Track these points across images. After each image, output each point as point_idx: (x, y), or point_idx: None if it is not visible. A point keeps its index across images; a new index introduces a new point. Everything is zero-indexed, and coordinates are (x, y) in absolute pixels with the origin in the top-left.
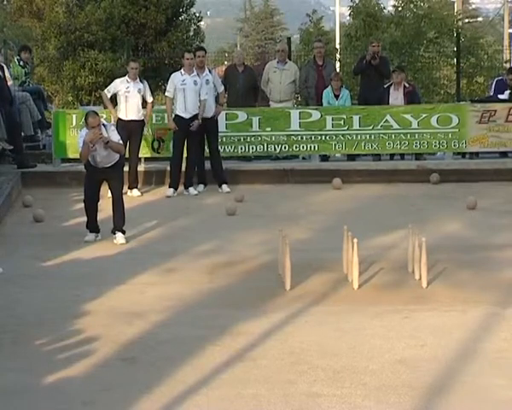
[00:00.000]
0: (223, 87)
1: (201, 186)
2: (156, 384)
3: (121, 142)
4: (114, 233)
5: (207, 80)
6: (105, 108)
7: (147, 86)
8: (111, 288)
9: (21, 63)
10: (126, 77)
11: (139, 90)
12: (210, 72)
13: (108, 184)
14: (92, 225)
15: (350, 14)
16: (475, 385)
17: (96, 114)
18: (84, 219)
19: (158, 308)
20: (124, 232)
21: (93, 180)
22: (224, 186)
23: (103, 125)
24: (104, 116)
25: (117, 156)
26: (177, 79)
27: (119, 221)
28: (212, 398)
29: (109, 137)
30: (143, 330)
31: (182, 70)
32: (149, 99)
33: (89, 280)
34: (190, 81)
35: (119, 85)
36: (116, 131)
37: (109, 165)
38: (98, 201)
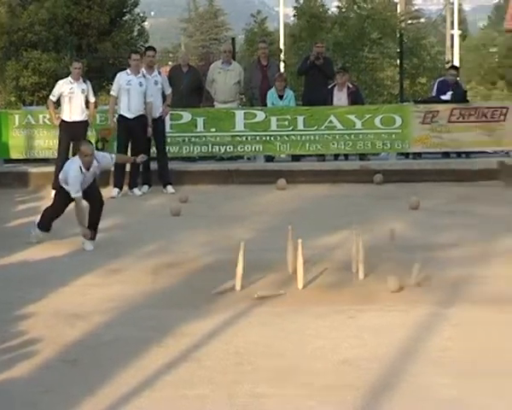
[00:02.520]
0: (171, 89)
1: (146, 187)
2: (99, 386)
3: (112, 158)
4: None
5: (156, 81)
6: (47, 108)
7: (90, 86)
8: (54, 289)
9: None
10: (69, 77)
11: (83, 91)
12: (159, 73)
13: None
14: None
15: (294, 15)
16: (418, 384)
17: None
18: (27, 219)
19: (101, 309)
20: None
21: (67, 199)
22: (169, 187)
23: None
24: (47, 116)
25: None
26: (122, 78)
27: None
28: (155, 399)
29: (101, 164)
30: (86, 331)
31: (128, 70)
32: (92, 99)
33: (32, 282)
34: (136, 82)
35: (63, 87)
36: (105, 154)
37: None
38: None
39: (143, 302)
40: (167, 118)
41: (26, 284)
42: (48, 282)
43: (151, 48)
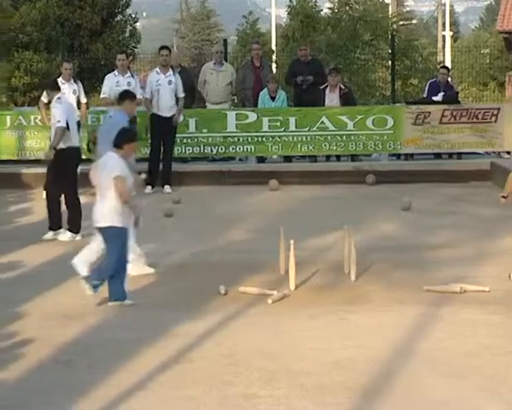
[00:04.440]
0: (183, 93)
1: (149, 188)
2: (91, 387)
3: None
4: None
5: (170, 81)
6: (39, 109)
7: (81, 87)
8: (47, 290)
9: None
10: (61, 78)
11: (74, 91)
12: (174, 73)
13: None
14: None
15: (288, 14)
16: (411, 385)
17: None
18: (19, 220)
19: (94, 311)
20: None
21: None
22: (167, 187)
23: None
24: (39, 117)
25: None
26: (111, 80)
27: None
28: (148, 400)
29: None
30: (79, 332)
31: (115, 71)
32: (83, 100)
33: (24, 283)
34: (124, 82)
35: None
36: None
37: None
38: None
39: (136, 304)
40: None
41: (19, 284)
42: (41, 283)
43: (165, 47)
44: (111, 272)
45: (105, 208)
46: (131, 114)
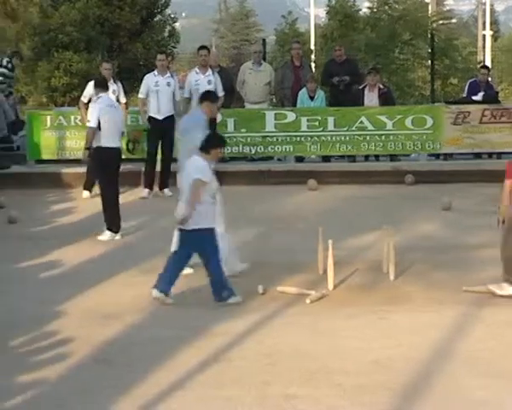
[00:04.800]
0: (223, 92)
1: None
2: (131, 386)
3: None
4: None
5: (209, 80)
6: (79, 109)
7: (121, 87)
8: (87, 289)
9: (9, 66)
10: None
11: (113, 92)
12: (213, 73)
13: None
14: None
15: (327, 13)
16: (450, 385)
17: None
18: (59, 220)
19: (133, 309)
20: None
21: None
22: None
23: None
24: (79, 117)
25: None
26: (150, 80)
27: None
28: (186, 400)
29: None
30: (119, 331)
31: (155, 71)
32: (123, 100)
33: (64, 282)
34: (164, 83)
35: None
36: None
37: None
38: None
39: (176, 302)
40: None
41: (58, 284)
42: (80, 282)
43: (204, 47)
44: (221, 274)
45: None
46: (211, 116)
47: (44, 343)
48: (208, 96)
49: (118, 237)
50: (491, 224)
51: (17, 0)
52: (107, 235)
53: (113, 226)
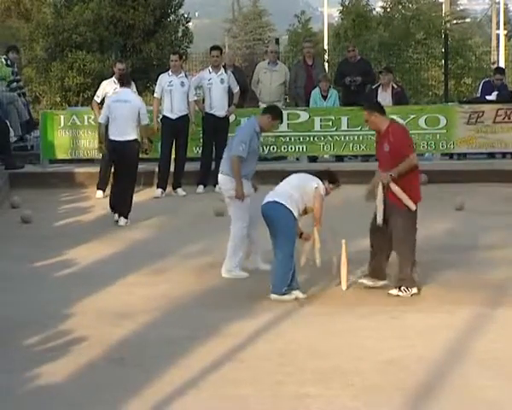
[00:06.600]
0: (238, 88)
1: (201, 187)
2: (144, 385)
3: None
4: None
5: (222, 79)
6: (92, 109)
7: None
8: (99, 289)
9: (8, 62)
10: (113, 78)
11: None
12: (225, 71)
13: None
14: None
15: (340, 13)
16: (463, 386)
17: None
18: (73, 219)
19: (146, 309)
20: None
21: None
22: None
23: None
24: (92, 117)
25: None
26: (164, 80)
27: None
28: (200, 399)
29: None
30: (131, 330)
31: (169, 71)
32: None
33: (77, 281)
34: (177, 82)
35: (107, 87)
36: None
37: None
38: None
39: (188, 302)
40: None
41: (72, 283)
42: (93, 281)
43: (216, 47)
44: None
45: None
46: (265, 130)
47: (57, 342)
48: (270, 112)
49: (128, 222)
50: (505, 224)
51: (31, 0)
52: (123, 221)
53: (125, 211)
